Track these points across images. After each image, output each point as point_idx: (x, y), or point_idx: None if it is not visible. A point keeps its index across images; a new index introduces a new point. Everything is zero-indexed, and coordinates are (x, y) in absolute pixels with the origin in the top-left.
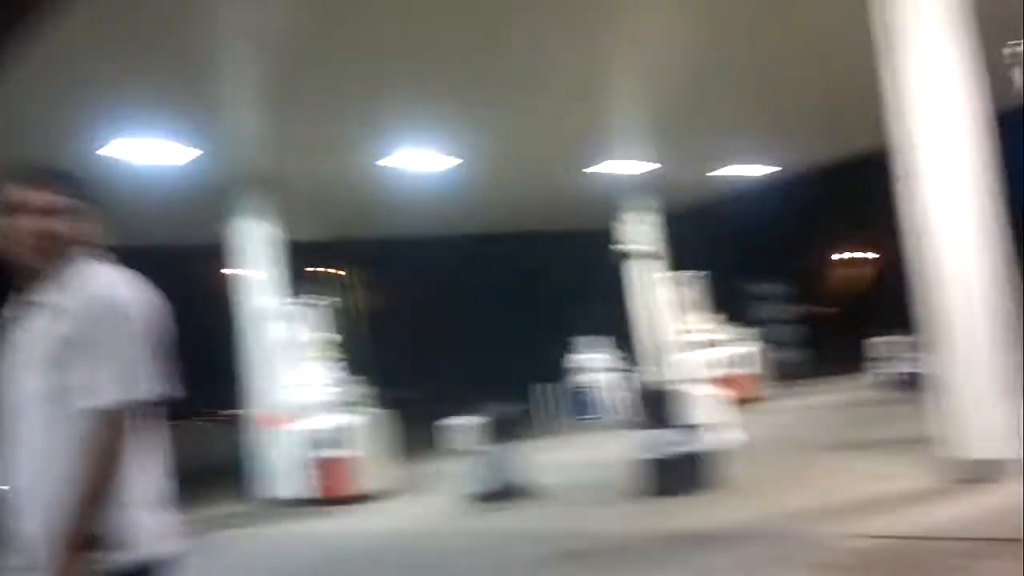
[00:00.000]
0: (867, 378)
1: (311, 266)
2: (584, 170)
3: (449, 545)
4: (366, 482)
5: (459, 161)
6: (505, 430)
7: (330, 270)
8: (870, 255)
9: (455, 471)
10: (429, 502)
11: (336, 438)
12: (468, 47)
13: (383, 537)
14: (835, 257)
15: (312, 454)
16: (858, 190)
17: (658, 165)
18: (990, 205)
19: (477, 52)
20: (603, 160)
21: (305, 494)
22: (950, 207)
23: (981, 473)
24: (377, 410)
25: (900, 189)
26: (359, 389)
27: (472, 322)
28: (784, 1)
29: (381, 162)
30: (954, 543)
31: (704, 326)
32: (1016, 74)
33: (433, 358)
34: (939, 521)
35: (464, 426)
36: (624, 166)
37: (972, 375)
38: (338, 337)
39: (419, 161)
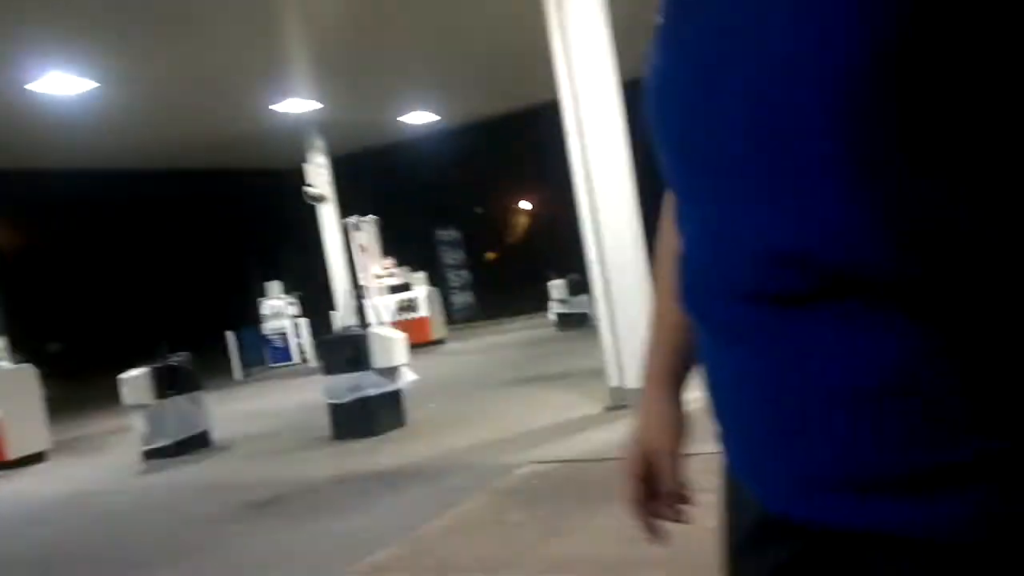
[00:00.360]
0: (543, 317)
1: None
2: (271, 107)
3: (114, 506)
4: (9, 446)
5: (97, 85)
6: (183, 380)
7: None
8: (545, 202)
9: (125, 427)
10: (93, 462)
11: None
12: None
13: (35, 503)
14: (513, 205)
15: None
16: (535, 140)
17: (322, 105)
18: (630, 162)
19: None
20: (284, 99)
21: None
22: (603, 162)
23: (636, 400)
24: (15, 365)
25: (567, 142)
26: None
27: (150, 266)
28: None
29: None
30: (611, 463)
31: (381, 271)
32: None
33: (99, 306)
34: (603, 443)
35: (135, 378)
36: (303, 105)
37: (626, 312)
38: None
39: (63, 86)
